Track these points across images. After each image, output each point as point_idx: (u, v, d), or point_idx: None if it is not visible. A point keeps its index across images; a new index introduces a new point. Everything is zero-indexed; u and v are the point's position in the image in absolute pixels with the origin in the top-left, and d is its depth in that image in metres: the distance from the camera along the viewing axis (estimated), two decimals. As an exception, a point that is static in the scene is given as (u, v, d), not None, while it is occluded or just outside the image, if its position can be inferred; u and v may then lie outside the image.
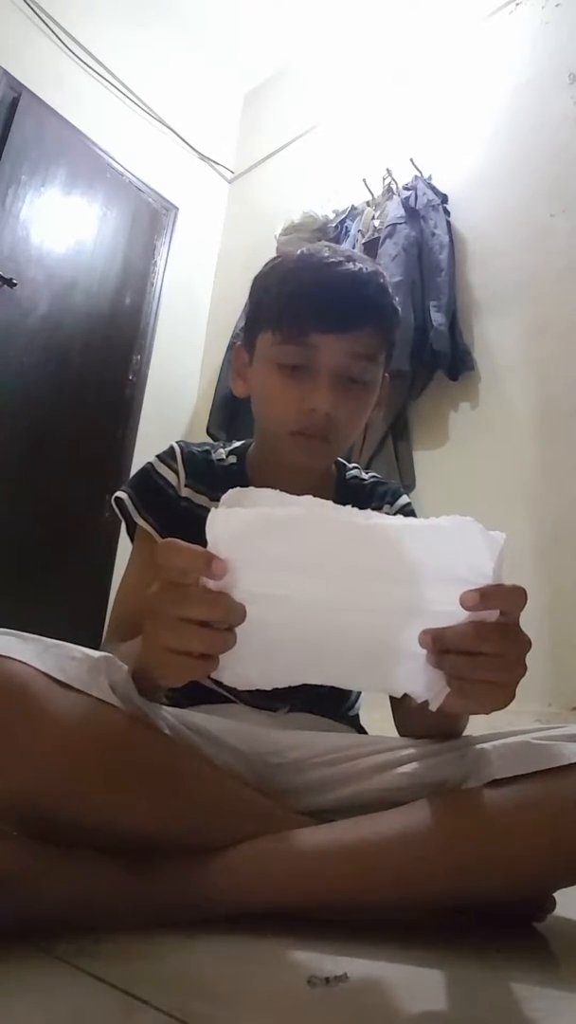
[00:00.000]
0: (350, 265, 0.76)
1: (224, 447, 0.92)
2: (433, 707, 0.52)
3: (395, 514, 0.89)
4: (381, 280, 0.79)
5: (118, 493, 0.85)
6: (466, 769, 0.62)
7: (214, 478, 0.86)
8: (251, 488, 0.51)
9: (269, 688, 0.52)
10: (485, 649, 0.48)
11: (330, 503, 0.49)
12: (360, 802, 0.64)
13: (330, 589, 0.49)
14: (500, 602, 0.48)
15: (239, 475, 0.88)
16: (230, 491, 0.50)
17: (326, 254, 0.78)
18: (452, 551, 0.48)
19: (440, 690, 0.51)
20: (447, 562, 0.48)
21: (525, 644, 0.50)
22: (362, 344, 0.76)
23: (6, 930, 0.50)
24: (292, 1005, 0.44)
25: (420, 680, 0.52)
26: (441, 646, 0.49)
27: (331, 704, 0.85)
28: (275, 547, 0.47)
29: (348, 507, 0.49)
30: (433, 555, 0.48)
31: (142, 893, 0.55)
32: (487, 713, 0.53)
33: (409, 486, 2.09)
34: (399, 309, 0.82)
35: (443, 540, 0.48)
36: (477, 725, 0.69)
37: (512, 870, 0.56)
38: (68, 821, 0.55)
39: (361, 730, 0.89)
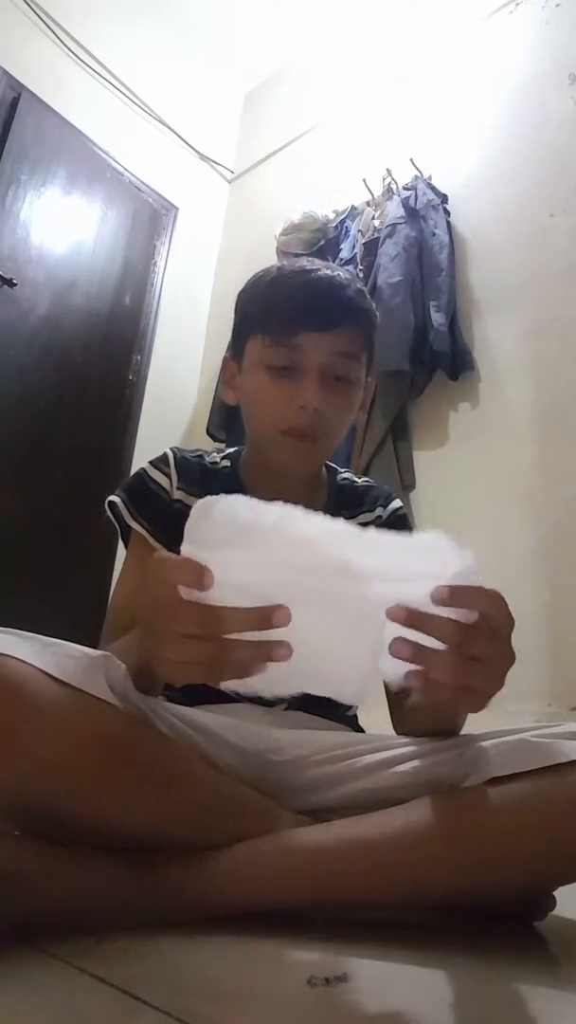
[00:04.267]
0: (328, 271, 0.83)
1: (217, 453, 0.93)
2: (395, 688, 0.52)
3: (388, 517, 0.91)
4: (359, 285, 0.84)
5: (111, 498, 0.87)
6: (465, 767, 0.62)
7: (207, 481, 0.87)
8: (220, 496, 0.50)
9: (269, 695, 0.52)
10: (471, 650, 0.48)
11: (301, 510, 0.49)
12: (359, 800, 0.64)
13: (306, 588, 0.48)
14: (471, 601, 0.48)
15: (232, 478, 0.89)
16: (199, 501, 0.50)
17: (305, 264, 0.84)
18: (423, 560, 0.48)
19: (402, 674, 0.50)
20: (418, 569, 0.48)
21: (508, 658, 0.51)
22: (345, 342, 0.80)
23: (6, 930, 0.50)
24: (292, 1005, 0.44)
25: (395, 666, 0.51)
26: (416, 621, 0.47)
27: (329, 704, 0.85)
28: (252, 553, 0.48)
29: (320, 514, 0.49)
30: (404, 562, 0.49)
31: (142, 893, 0.55)
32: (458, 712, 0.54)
33: (409, 486, 2.09)
34: (377, 314, 0.87)
35: (415, 550, 0.49)
36: (475, 723, 0.69)
37: (512, 867, 0.56)
38: (67, 820, 0.55)
39: (359, 730, 0.89)
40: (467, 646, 0.48)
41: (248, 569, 0.47)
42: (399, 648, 0.47)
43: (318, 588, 0.48)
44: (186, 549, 0.48)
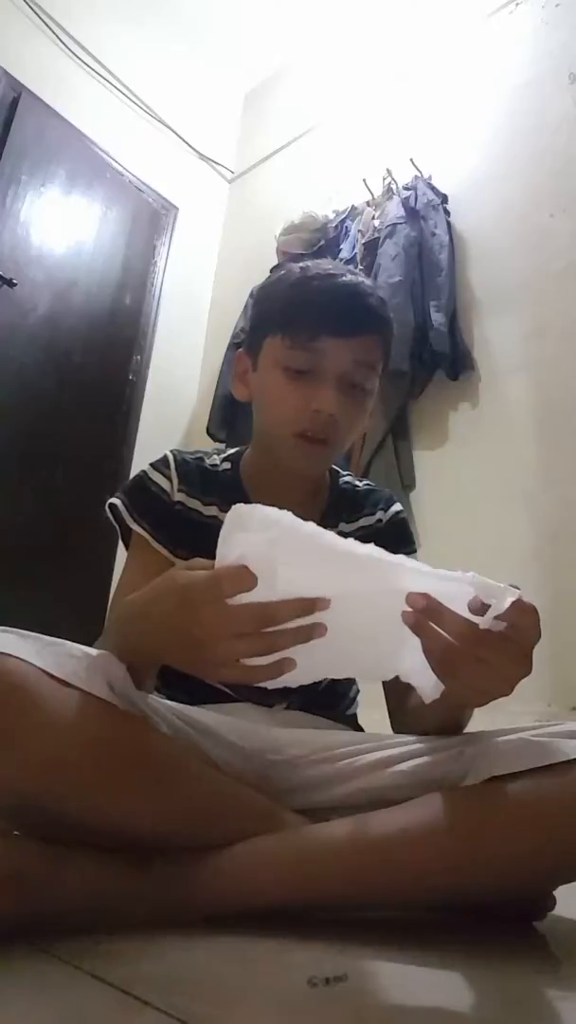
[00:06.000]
0: (352, 277, 0.82)
1: (217, 454, 0.93)
2: (427, 700, 0.55)
3: (388, 520, 0.92)
4: (380, 294, 0.84)
5: (112, 500, 0.86)
6: (465, 766, 0.62)
7: (207, 483, 0.87)
8: (256, 505, 0.52)
9: (283, 687, 0.53)
10: (478, 651, 0.50)
11: (312, 526, 0.51)
12: (359, 800, 0.64)
13: (340, 590, 0.51)
14: (504, 614, 0.50)
15: (233, 480, 0.88)
16: (234, 508, 0.52)
17: (329, 267, 0.83)
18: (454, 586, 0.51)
19: (436, 684, 0.54)
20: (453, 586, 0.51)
21: (522, 669, 0.53)
22: (366, 351, 0.80)
23: (6, 930, 0.50)
24: (292, 1005, 0.44)
25: (421, 672, 0.54)
26: (432, 608, 0.50)
27: (328, 703, 0.85)
28: (291, 557, 0.50)
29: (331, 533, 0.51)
30: (433, 584, 0.51)
31: (142, 893, 0.55)
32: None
33: (409, 486, 2.09)
34: (394, 324, 0.86)
35: (445, 580, 0.51)
36: (476, 723, 0.69)
37: (512, 866, 0.56)
38: (67, 820, 0.55)
39: (359, 729, 0.89)
40: (473, 646, 0.50)
41: (288, 572, 0.50)
42: (415, 600, 0.50)
43: (351, 591, 0.51)
44: (226, 555, 0.51)
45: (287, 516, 0.50)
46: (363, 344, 0.79)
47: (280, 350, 0.80)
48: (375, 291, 0.83)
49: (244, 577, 0.49)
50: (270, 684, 0.52)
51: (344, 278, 0.81)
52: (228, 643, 0.50)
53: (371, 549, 0.51)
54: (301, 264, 0.85)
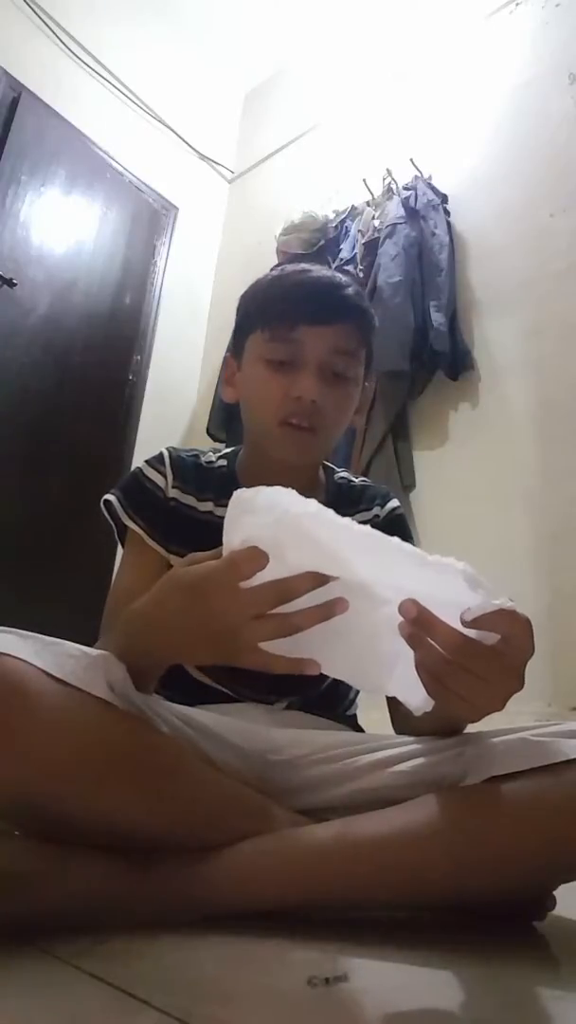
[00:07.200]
0: (327, 272, 0.86)
1: (214, 452, 0.94)
2: (417, 712, 0.55)
3: (385, 516, 0.92)
4: (358, 288, 0.87)
5: (107, 496, 0.87)
6: (464, 766, 0.62)
7: (203, 480, 0.88)
8: (261, 488, 0.52)
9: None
10: (469, 665, 0.50)
11: (315, 505, 0.51)
12: (358, 800, 0.64)
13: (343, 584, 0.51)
14: (497, 624, 0.50)
15: (229, 477, 0.89)
16: (237, 493, 0.53)
17: (306, 264, 0.88)
18: (450, 583, 0.50)
19: (426, 698, 0.54)
20: (447, 590, 0.50)
21: (513, 684, 0.52)
22: (344, 339, 0.82)
23: (6, 930, 0.50)
24: (292, 1005, 0.44)
25: (410, 685, 0.54)
26: (423, 619, 0.50)
27: (328, 704, 0.85)
28: (299, 539, 0.50)
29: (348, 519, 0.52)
30: (428, 577, 0.51)
31: (142, 893, 0.55)
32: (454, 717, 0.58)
33: (409, 486, 2.09)
34: (375, 316, 0.88)
35: (439, 571, 0.50)
36: (475, 722, 0.69)
37: (512, 866, 0.56)
38: (67, 820, 0.55)
39: (359, 730, 0.89)
40: (465, 659, 0.50)
41: (296, 549, 0.50)
42: (407, 609, 0.50)
43: (353, 578, 0.51)
44: (232, 540, 0.51)
45: (290, 494, 0.51)
46: (340, 332, 0.81)
47: (261, 344, 0.82)
48: (352, 284, 0.85)
49: (257, 556, 0.50)
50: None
51: (319, 272, 0.84)
52: (250, 626, 0.51)
53: (368, 528, 0.52)
54: (281, 266, 0.89)
